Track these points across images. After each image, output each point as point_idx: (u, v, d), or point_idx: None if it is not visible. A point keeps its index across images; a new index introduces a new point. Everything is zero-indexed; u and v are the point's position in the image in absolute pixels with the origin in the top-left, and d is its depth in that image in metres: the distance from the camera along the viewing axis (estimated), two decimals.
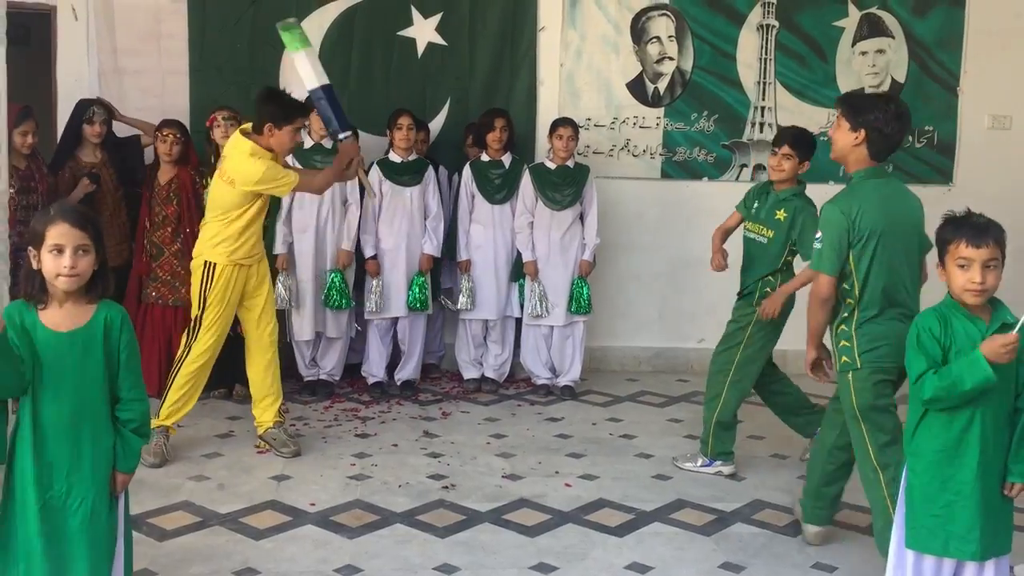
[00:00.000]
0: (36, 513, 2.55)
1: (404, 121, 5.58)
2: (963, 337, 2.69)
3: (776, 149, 4.49)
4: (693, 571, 3.58)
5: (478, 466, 4.57)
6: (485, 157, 5.79)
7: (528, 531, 3.86)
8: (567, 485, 4.36)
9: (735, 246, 4.71)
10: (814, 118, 6.40)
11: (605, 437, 5.09)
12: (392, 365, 5.86)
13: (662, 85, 6.34)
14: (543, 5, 6.20)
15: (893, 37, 6.42)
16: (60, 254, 2.51)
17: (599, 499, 4.21)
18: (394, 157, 5.66)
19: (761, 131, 6.40)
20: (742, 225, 4.66)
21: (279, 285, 5.45)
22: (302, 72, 4.51)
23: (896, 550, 2.86)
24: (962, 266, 2.68)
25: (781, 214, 4.44)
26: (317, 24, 6.06)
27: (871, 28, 6.41)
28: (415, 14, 6.13)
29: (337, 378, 5.76)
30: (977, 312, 2.71)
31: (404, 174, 5.64)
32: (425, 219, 5.71)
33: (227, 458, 4.58)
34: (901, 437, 3.20)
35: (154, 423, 4.30)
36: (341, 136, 4.57)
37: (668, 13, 6.29)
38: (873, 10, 6.39)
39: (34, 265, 2.55)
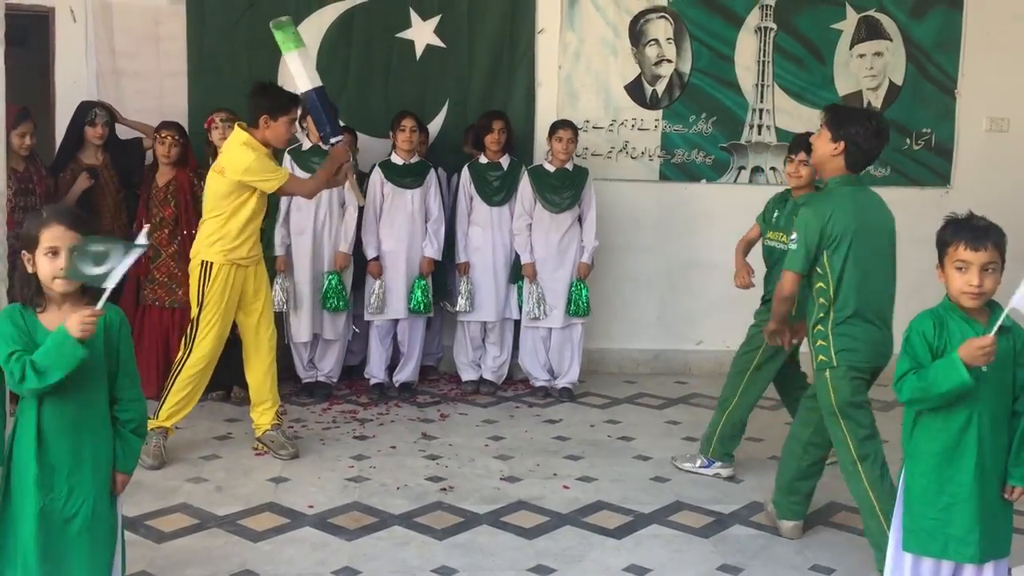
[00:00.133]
0: (35, 515, 2.55)
1: (407, 123, 5.58)
2: (959, 339, 2.69)
3: (792, 156, 4.45)
4: (691, 573, 3.58)
5: (476, 468, 4.57)
6: (483, 159, 5.80)
7: (526, 533, 3.86)
8: (565, 487, 4.36)
9: (756, 257, 4.70)
10: (812, 120, 6.38)
11: (603, 439, 5.10)
12: (391, 367, 5.86)
13: (660, 87, 6.34)
14: (541, 7, 6.21)
15: (891, 40, 6.43)
16: (55, 256, 2.50)
17: (597, 501, 4.21)
18: (396, 159, 5.66)
19: (759, 133, 6.40)
20: (765, 239, 4.64)
21: (277, 287, 5.45)
22: (294, 73, 4.50)
23: (894, 552, 2.86)
24: (960, 268, 2.68)
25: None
26: (316, 26, 6.07)
27: (869, 30, 6.42)
28: (414, 16, 6.13)
29: (335, 380, 5.76)
30: (975, 315, 2.71)
31: (406, 176, 5.65)
32: (426, 222, 5.71)
33: (225, 460, 4.58)
34: (877, 431, 3.52)
35: (152, 424, 4.30)
36: (332, 140, 4.56)
37: (666, 16, 6.30)
38: (871, 13, 6.40)
39: (29, 269, 2.55)
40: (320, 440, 4.90)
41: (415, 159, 5.68)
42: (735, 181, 6.41)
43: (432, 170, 5.72)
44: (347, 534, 3.80)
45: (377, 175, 5.64)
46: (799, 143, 4.52)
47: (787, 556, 3.73)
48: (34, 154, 5.17)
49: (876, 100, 6.46)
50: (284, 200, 5.48)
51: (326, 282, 5.52)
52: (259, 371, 4.64)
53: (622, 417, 5.50)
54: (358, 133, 6.00)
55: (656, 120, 6.36)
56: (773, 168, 6.41)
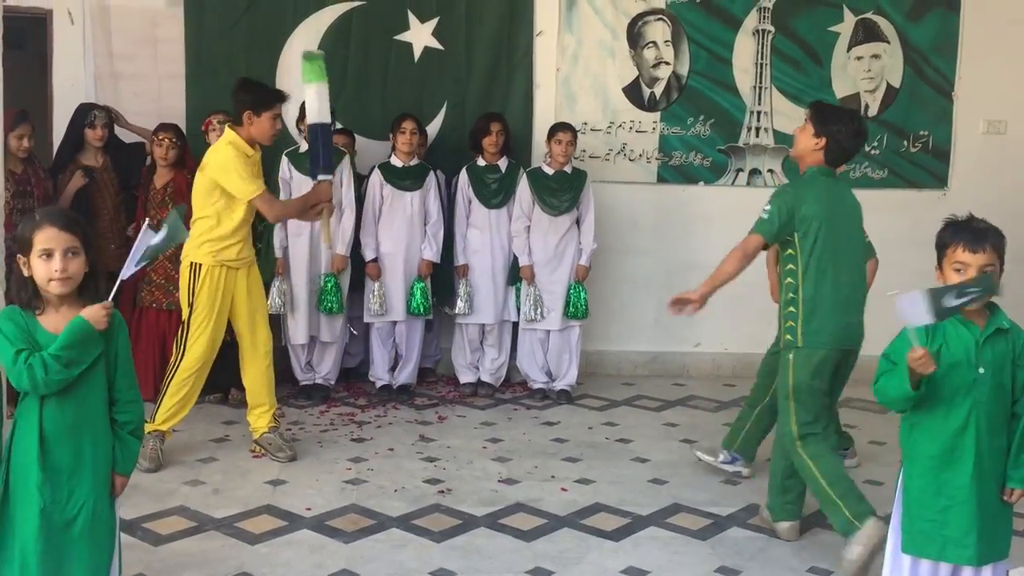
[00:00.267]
0: (36, 517, 2.54)
1: (408, 125, 5.58)
2: (955, 341, 2.69)
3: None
4: (689, 575, 3.58)
5: (474, 470, 4.57)
6: (481, 162, 5.80)
7: (524, 535, 3.86)
8: (563, 489, 4.36)
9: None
10: None
11: (601, 441, 5.09)
12: (391, 368, 5.85)
13: (658, 90, 6.35)
14: (540, 10, 6.22)
15: (888, 42, 6.44)
16: (50, 258, 2.50)
17: (595, 503, 4.21)
18: (396, 161, 5.67)
19: (757, 135, 6.41)
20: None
21: (274, 289, 5.45)
22: (308, 103, 4.49)
23: (892, 554, 2.86)
24: (958, 270, 2.68)
25: None
26: (314, 28, 6.07)
27: (866, 33, 6.43)
28: (412, 18, 6.14)
29: (332, 382, 5.76)
30: (972, 317, 2.71)
31: (405, 179, 5.65)
32: (425, 224, 5.71)
33: (222, 463, 4.57)
34: (823, 415, 3.70)
35: (148, 428, 4.29)
36: (320, 178, 4.51)
37: (664, 18, 6.31)
38: (868, 15, 6.41)
39: (25, 272, 2.54)
40: (318, 442, 4.90)
41: (414, 161, 5.68)
42: (733, 183, 6.42)
43: (431, 172, 5.72)
44: (345, 536, 3.80)
45: (376, 177, 5.64)
46: None
47: (784, 558, 3.73)
48: (32, 156, 5.18)
49: (874, 102, 6.47)
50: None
51: (322, 284, 5.52)
52: (254, 374, 4.63)
53: (620, 419, 5.50)
54: (356, 135, 6.02)
55: (654, 122, 6.36)
56: (771, 170, 6.42)
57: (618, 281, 6.40)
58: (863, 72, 6.45)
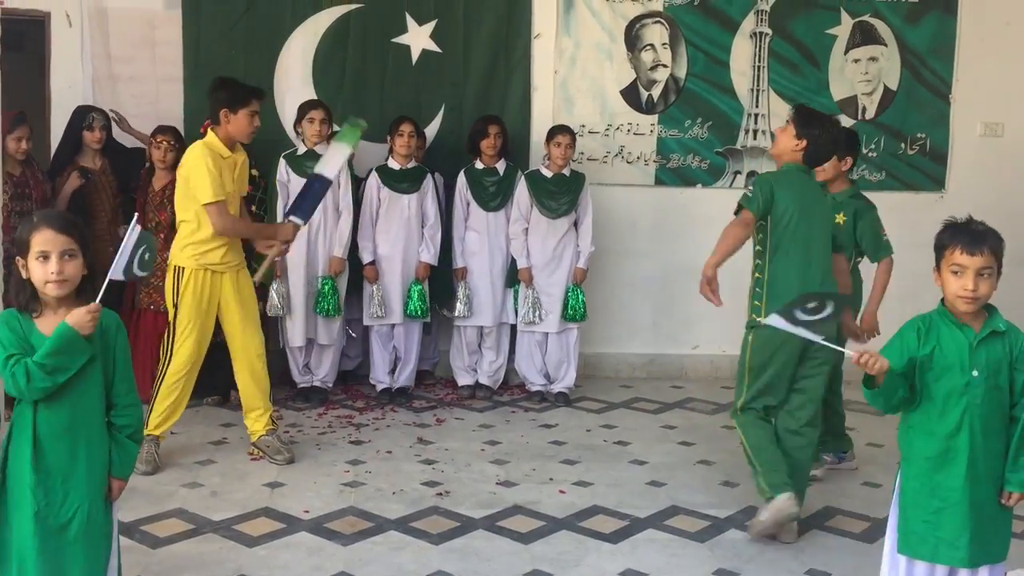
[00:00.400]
0: (31, 520, 2.54)
1: (406, 128, 5.59)
2: (948, 343, 2.69)
3: None
4: None
5: (472, 473, 4.57)
6: (479, 164, 5.80)
7: (522, 538, 3.86)
8: (561, 492, 4.36)
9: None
10: None
11: (599, 444, 5.09)
12: (391, 371, 5.85)
13: (656, 92, 6.36)
14: (537, 12, 6.22)
15: (886, 45, 6.45)
16: (46, 260, 2.50)
17: (593, 506, 4.21)
18: (393, 164, 5.67)
19: (755, 138, 6.42)
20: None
21: (272, 292, 5.45)
22: (328, 157, 4.59)
23: (889, 555, 2.86)
24: (956, 272, 2.68)
25: (840, 217, 4.44)
26: (312, 30, 6.07)
27: (864, 36, 6.44)
28: (410, 21, 6.14)
29: (330, 385, 5.75)
30: (967, 320, 2.71)
31: (403, 181, 5.65)
32: (423, 227, 5.71)
33: (220, 465, 4.57)
34: (770, 392, 3.88)
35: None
36: (291, 218, 4.52)
37: (662, 21, 6.32)
38: (866, 18, 6.42)
39: (23, 274, 2.54)
40: (316, 445, 4.89)
41: (411, 164, 5.68)
42: (731, 186, 6.42)
43: (428, 175, 5.72)
44: (343, 539, 3.79)
45: (374, 180, 5.64)
46: None
47: (783, 560, 3.73)
48: (31, 158, 5.18)
49: (871, 105, 6.48)
50: (281, 205, 5.48)
51: (320, 287, 5.52)
52: (246, 378, 4.60)
53: (618, 422, 5.50)
54: None
55: (652, 125, 6.37)
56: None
57: (616, 283, 6.40)
58: (860, 75, 6.46)
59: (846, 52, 6.44)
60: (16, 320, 2.54)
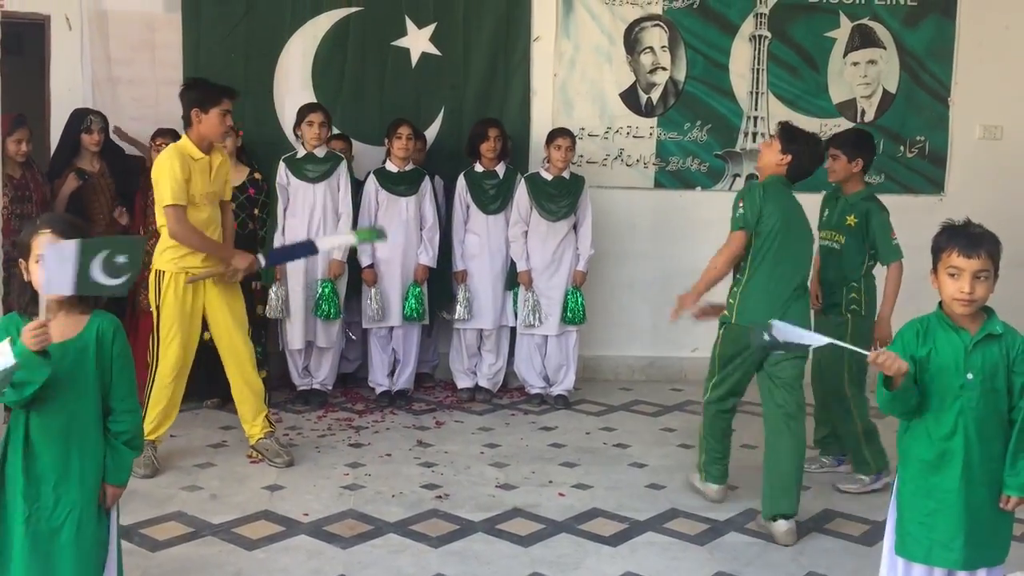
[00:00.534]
0: (22, 524, 2.54)
1: (404, 131, 5.59)
2: (944, 346, 2.69)
3: (826, 153, 4.57)
4: None
5: (471, 476, 4.57)
6: (479, 167, 5.80)
7: (522, 541, 3.86)
8: (561, 495, 4.36)
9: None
10: (807, 128, 6.39)
11: (599, 446, 5.09)
12: (390, 374, 5.85)
13: (655, 95, 6.36)
14: (537, 15, 6.23)
15: (885, 48, 6.46)
16: None
17: (593, 508, 4.21)
18: (391, 167, 5.67)
19: (754, 141, 6.42)
20: (819, 238, 4.65)
21: (272, 294, 5.45)
22: (333, 237, 4.93)
23: (887, 556, 2.87)
24: (952, 275, 2.68)
25: (851, 219, 4.46)
26: (311, 34, 6.08)
27: (863, 39, 6.44)
28: (409, 24, 6.15)
29: (330, 388, 5.75)
30: (964, 322, 2.71)
31: (400, 184, 5.65)
32: (421, 229, 5.71)
33: (220, 468, 4.57)
34: (735, 382, 4.16)
35: None
36: (260, 256, 4.52)
37: (661, 24, 6.32)
38: (865, 21, 6.42)
39: (25, 277, 2.55)
40: (315, 448, 4.89)
41: (409, 167, 5.68)
42: (730, 188, 6.42)
43: (426, 177, 5.72)
44: (342, 542, 3.79)
45: (372, 183, 5.64)
46: (831, 139, 4.65)
47: (783, 563, 3.73)
48: (31, 161, 5.18)
49: (870, 108, 6.49)
50: (281, 208, 5.48)
51: (319, 290, 5.52)
52: (237, 383, 4.58)
53: (618, 424, 5.50)
54: (353, 140, 6.02)
55: (651, 128, 6.38)
56: None
57: (615, 286, 6.40)
58: (859, 78, 6.47)
59: (845, 55, 6.45)
60: (15, 324, 2.54)
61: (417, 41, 6.16)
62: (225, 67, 5.98)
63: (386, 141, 5.69)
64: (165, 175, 4.29)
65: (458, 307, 5.78)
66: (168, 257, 4.39)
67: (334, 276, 5.55)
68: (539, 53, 6.26)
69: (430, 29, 6.16)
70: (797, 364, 4.01)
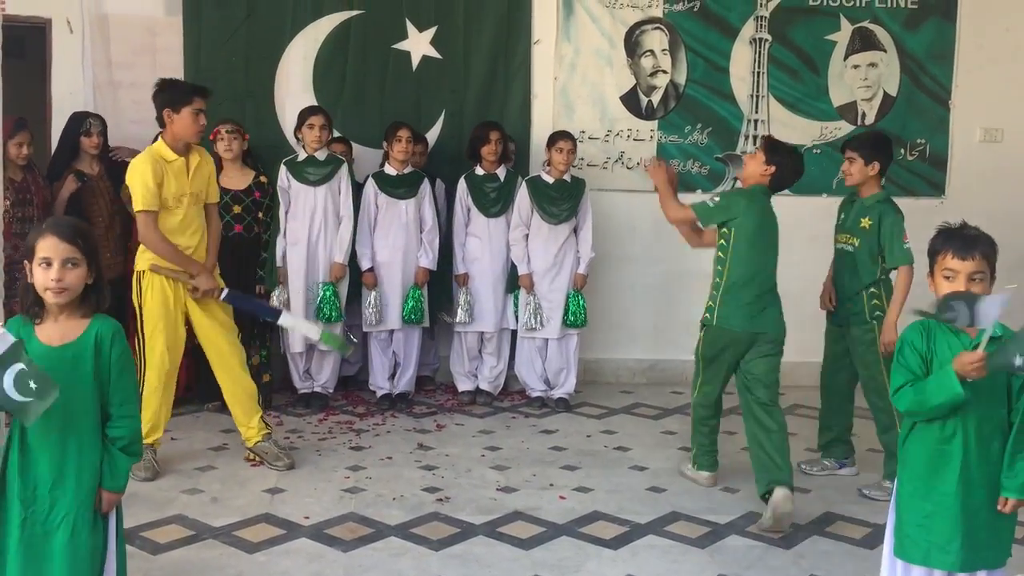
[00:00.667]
0: (17, 527, 2.54)
1: (403, 134, 5.59)
2: (945, 350, 2.69)
3: (843, 155, 4.60)
4: None
5: (472, 479, 4.57)
6: (480, 170, 5.80)
7: (522, 544, 3.86)
8: (561, 498, 4.36)
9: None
10: (807, 131, 6.44)
11: (599, 449, 5.09)
12: (390, 377, 5.85)
13: (656, 98, 6.37)
14: (537, 18, 6.24)
15: (885, 51, 6.46)
16: (48, 267, 2.51)
17: (594, 511, 4.20)
18: (389, 170, 5.67)
19: (754, 143, 6.41)
20: (835, 241, 4.67)
21: (274, 298, 5.46)
22: (303, 322, 4.82)
23: (887, 558, 2.87)
24: (948, 277, 2.68)
25: (866, 222, 4.44)
26: (312, 37, 6.09)
27: (863, 42, 6.45)
28: (410, 27, 6.15)
29: (331, 391, 5.75)
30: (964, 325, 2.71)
31: (399, 187, 5.65)
32: (421, 232, 5.71)
33: (221, 471, 4.57)
34: (716, 380, 4.39)
35: None
36: (227, 290, 4.46)
37: (662, 27, 6.33)
38: (865, 24, 6.43)
39: (28, 279, 2.56)
40: (316, 451, 4.89)
41: (408, 169, 5.68)
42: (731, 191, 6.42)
43: (425, 180, 5.72)
44: (343, 545, 3.79)
45: (371, 187, 5.65)
46: (845, 145, 4.65)
47: (783, 566, 3.73)
48: (32, 164, 5.19)
49: (870, 111, 6.49)
50: (283, 210, 5.49)
51: (321, 293, 5.52)
52: (226, 385, 4.57)
53: (618, 427, 5.50)
54: (353, 144, 6.03)
55: (651, 131, 6.38)
56: None
57: (616, 289, 6.40)
58: (860, 80, 6.47)
59: (845, 58, 6.45)
60: (17, 328, 2.55)
61: (418, 44, 6.17)
62: (226, 70, 6.00)
63: (385, 144, 5.69)
64: (136, 180, 4.30)
65: (459, 310, 5.78)
66: (148, 258, 4.37)
67: (335, 279, 5.55)
68: (539, 56, 6.27)
69: (431, 32, 6.16)
70: (770, 361, 4.26)
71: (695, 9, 6.32)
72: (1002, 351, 2.54)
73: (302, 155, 5.55)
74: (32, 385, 2.36)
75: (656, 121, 6.38)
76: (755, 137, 6.43)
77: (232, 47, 6.01)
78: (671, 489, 4.50)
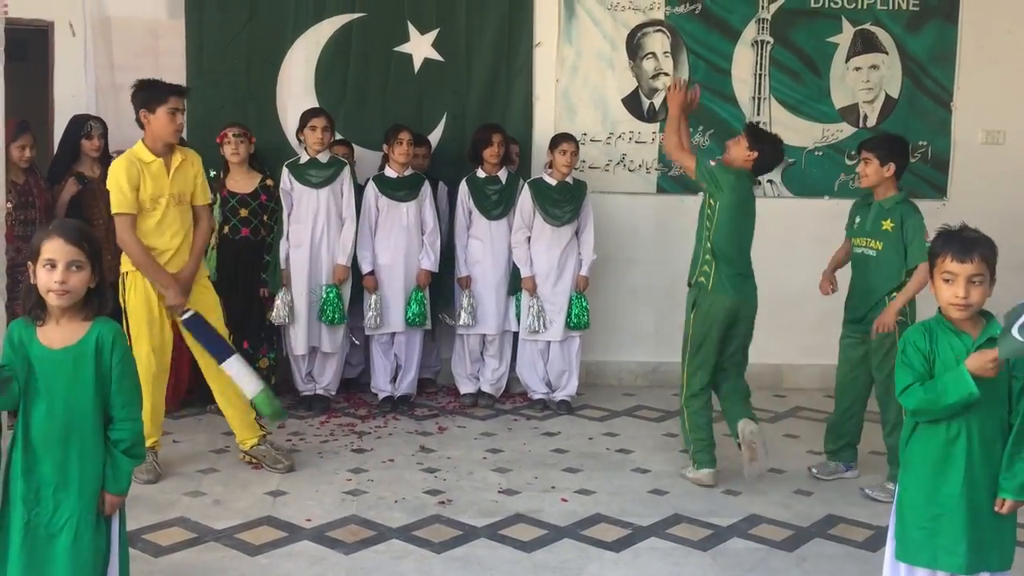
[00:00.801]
0: (20, 530, 2.54)
1: (404, 136, 5.59)
2: (947, 351, 2.69)
3: (858, 157, 4.61)
4: None
5: (474, 481, 4.57)
6: (481, 173, 5.81)
7: (524, 546, 3.86)
8: (563, 500, 4.35)
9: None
10: (809, 133, 6.44)
11: (601, 452, 5.09)
12: (391, 379, 5.85)
13: (658, 100, 6.36)
14: (539, 21, 6.24)
15: (887, 53, 6.46)
16: (52, 269, 2.51)
17: (595, 514, 4.20)
18: (390, 173, 5.67)
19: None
20: (852, 245, 4.65)
21: (278, 300, 5.46)
22: (248, 373, 4.35)
23: (889, 562, 2.86)
24: (947, 280, 2.68)
25: (888, 224, 4.42)
26: (314, 40, 6.09)
27: (865, 44, 6.45)
28: (412, 30, 6.16)
29: (333, 393, 5.76)
30: (964, 327, 2.71)
31: (400, 189, 5.66)
32: (422, 234, 5.72)
33: (223, 473, 4.57)
34: (711, 361, 4.54)
35: None
36: (189, 313, 4.34)
37: (663, 29, 6.33)
38: (867, 26, 6.42)
39: (31, 280, 2.56)
40: (318, 453, 4.89)
41: (408, 172, 5.68)
42: None
43: (425, 182, 5.72)
44: (345, 548, 3.79)
45: (371, 189, 5.65)
46: (861, 146, 4.65)
47: (785, 569, 3.73)
48: (34, 166, 5.19)
49: (872, 113, 6.49)
50: (285, 214, 5.50)
51: (324, 295, 5.52)
52: (216, 391, 4.55)
53: (620, 430, 5.50)
54: (355, 146, 6.03)
55: (653, 133, 6.38)
56: (771, 181, 6.43)
57: (618, 291, 6.40)
58: (862, 83, 6.47)
59: (847, 60, 6.45)
60: (19, 330, 2.55)
61: (419, 47, 6.17)
62: (228, 73, 6.00)
63: (385, 147, 5.69)
64: (112, 183, 4.31)
65: (462, 313, 5.78)
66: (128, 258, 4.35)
67: (339, 281, 5.55)
68: (541, 59, 6.27)
69: (432, 35, 6.17)
70: (746, 337, 4.62)
71: (696, 11, 6.32)
72: (1009, 339, 2.51)
73: (304, 157, 5.56)
74: None
75: (658, 123, 6.37)
76: None
77: (234, 50, 6.02)
78: (673, 491, 4.50)
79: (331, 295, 5.52)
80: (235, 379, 4.23)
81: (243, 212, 5.44)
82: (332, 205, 5.52)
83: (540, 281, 5.75)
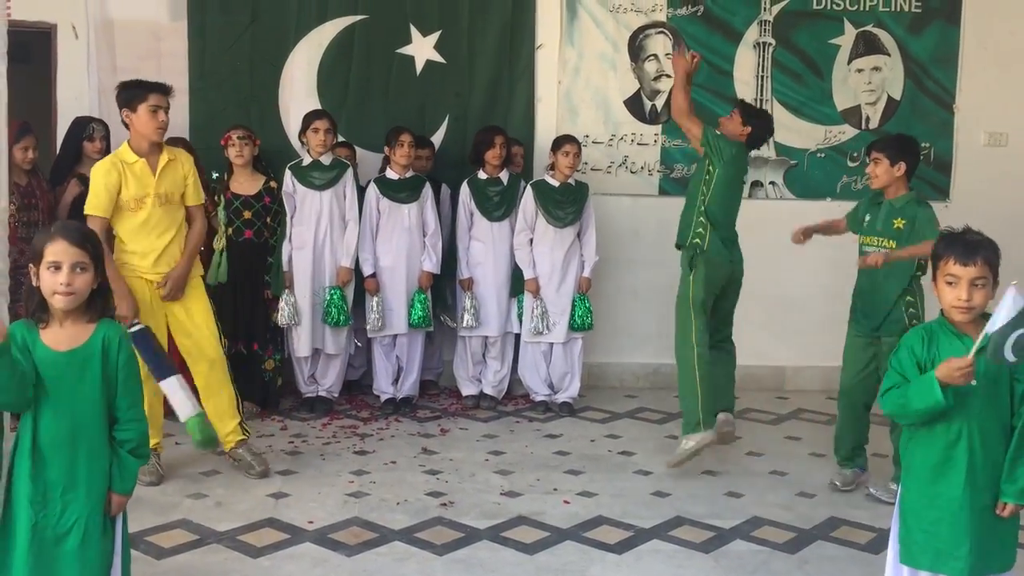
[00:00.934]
0: (28, 531, 2.54)
1: (406, 138, 5.59)
2: (947, 353, 2.68)
3: (868, 158, 4.58)
4: None
5: (476, 483, 4.57)
6: (483, 175, 5.81)
7: (527, 548, 3.85)
8: (565, 502, 4.35)
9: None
10: (811, 135, 6.44)
11: (603, 454, 5.09)
12: (394, 381, 5.85)
13: (660, 102, 6.37)
14: (541, 23, 6.24)
15: (889, 55, 6.46)
16: (57, 271, 2.52)
17: (598, 516, 4.20)
18: (391, 174, 5.68)
19: (758, 148, 6.40)
20: (861, 243, 4.59)
21: (282, 302, 5.46)
22: (186, 397, 4.13)
23: (891, 564, 2.86)
24: (950, 283, 2.68)
25: (899, 222, 4.38)
26: (316, 42, 6.10)
27: (867, 46, 6.45)
28: (414, 32, 6.16)
29: (336, 395, 5.76)
30: (966, 329, 2.70)
31: (401, 191, 5.66)
32: (423, 236, 5.72)
33: (225, 475, 4.57)
34: (707, 329, 4.67)
35: None
36: (137, 327, 4.15)
37: (666, 31, 6.33)
38: (869, 28, 6.42)
39: (34, 282, 2.56)
40: (320, 455, 4.90)
41: (409, 174, 5.69)
42: None
43: (427, 184, 5.73)
44: (347, 550, 3.79)
45: (372, 191, 5.65)
46: (871, 146, 4.63)
47: (788, 571, 3.72)
48: (36, 168, 5.20)
49: (874, 114, 6.49)
50: (288, 216, 5.50)
51: (328, 296, 5.53)
52: (204, 396, 4.49)
53: (622, 432, 5.50)
54: (357, 148, 6.04)
55: (655, 135, 6.38)
56: (772, 183, 6.43)
57: (620, 293, 6.40)
58: (864, 84, 6.47)
59: (849, 62, 6.45)
60: (22, 332, 2.56)
61: (422, 49, 6.18)
62: (231, 75, 6.01)
63: (386, 149, 5.69)
64: (91, 184, 4.31)
65: (465, 315, 5.78)
66: (120, 261, 4.34)
67: (342, 283, 5.56)
68: (543, 61, 6.27)
69: (435, 37, 6.17)
70: (733, 299, 4.85)
71: (698, 13, 6.32)
72: (991, 344, 2.52)
73: (307, 159, 5.56)
74: None
75: (660, 125, 6.37)
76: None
77: (237, 52, 6.02)
78: (675, 494, 4.50)
79: (335, 297, 5.52)
80: (170, 400, 4.11)
81: (247, 214, 5.45)
82: (335, 207, 5.52)
83: (543, 283, 5.75)
